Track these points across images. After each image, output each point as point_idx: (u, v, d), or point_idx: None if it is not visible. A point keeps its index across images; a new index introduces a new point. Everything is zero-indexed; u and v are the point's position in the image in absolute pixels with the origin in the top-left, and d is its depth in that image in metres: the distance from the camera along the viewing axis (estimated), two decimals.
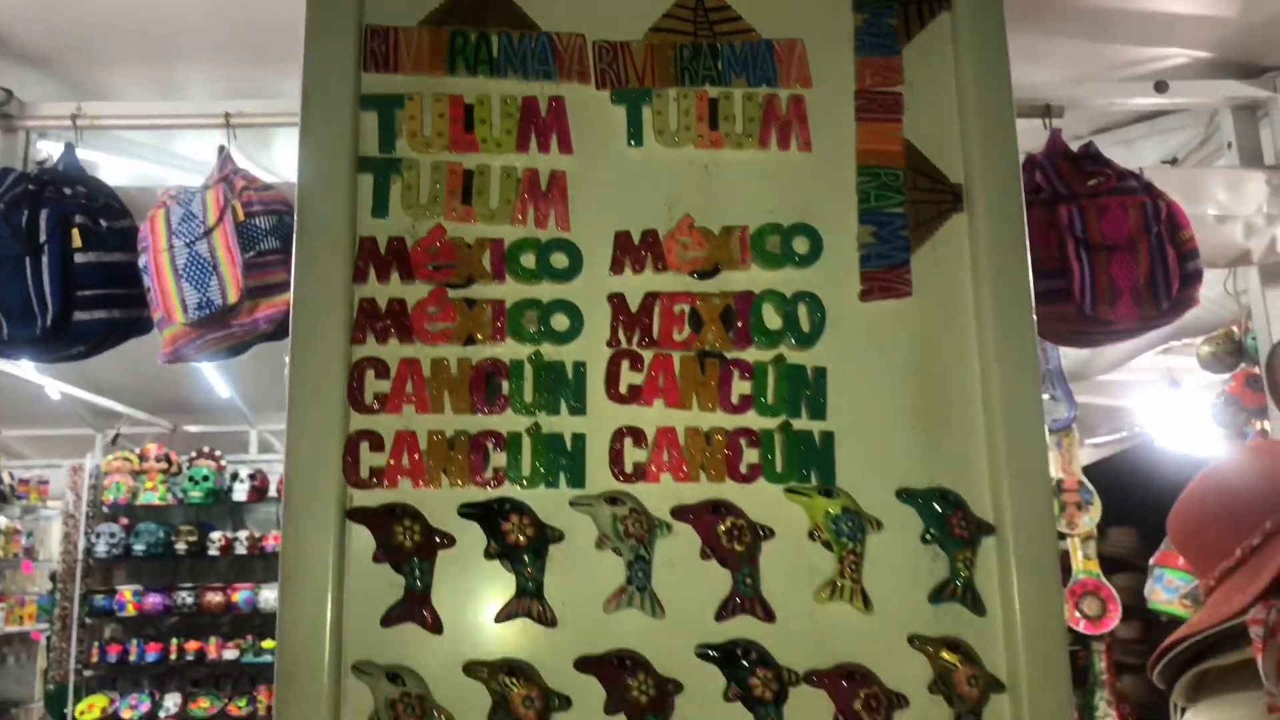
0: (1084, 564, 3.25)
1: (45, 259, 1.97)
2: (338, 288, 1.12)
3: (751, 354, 1.18)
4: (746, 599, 1.12)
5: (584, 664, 1.09)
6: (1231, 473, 1.26)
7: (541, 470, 1.12)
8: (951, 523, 1.15)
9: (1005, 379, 1.19)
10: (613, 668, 1.09)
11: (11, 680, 5.01)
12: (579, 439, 1.13)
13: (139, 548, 5.21)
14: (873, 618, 1.14)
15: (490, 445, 1.12)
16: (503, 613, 1.10)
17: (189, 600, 5.22)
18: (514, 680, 1.08)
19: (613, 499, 1.12)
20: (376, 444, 1.10)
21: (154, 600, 5.21)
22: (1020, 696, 1.13)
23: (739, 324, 1.18)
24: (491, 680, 1.07)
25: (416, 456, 1.10)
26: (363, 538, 1.09)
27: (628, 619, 1.11)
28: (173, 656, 5.20)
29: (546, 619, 1.10)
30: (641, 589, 1.11)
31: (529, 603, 1.10)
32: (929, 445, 1.18)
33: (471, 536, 1.11)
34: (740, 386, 1.17)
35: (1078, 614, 3.17)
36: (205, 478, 5.25)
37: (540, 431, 1.13)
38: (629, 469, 1.13)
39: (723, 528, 1.13)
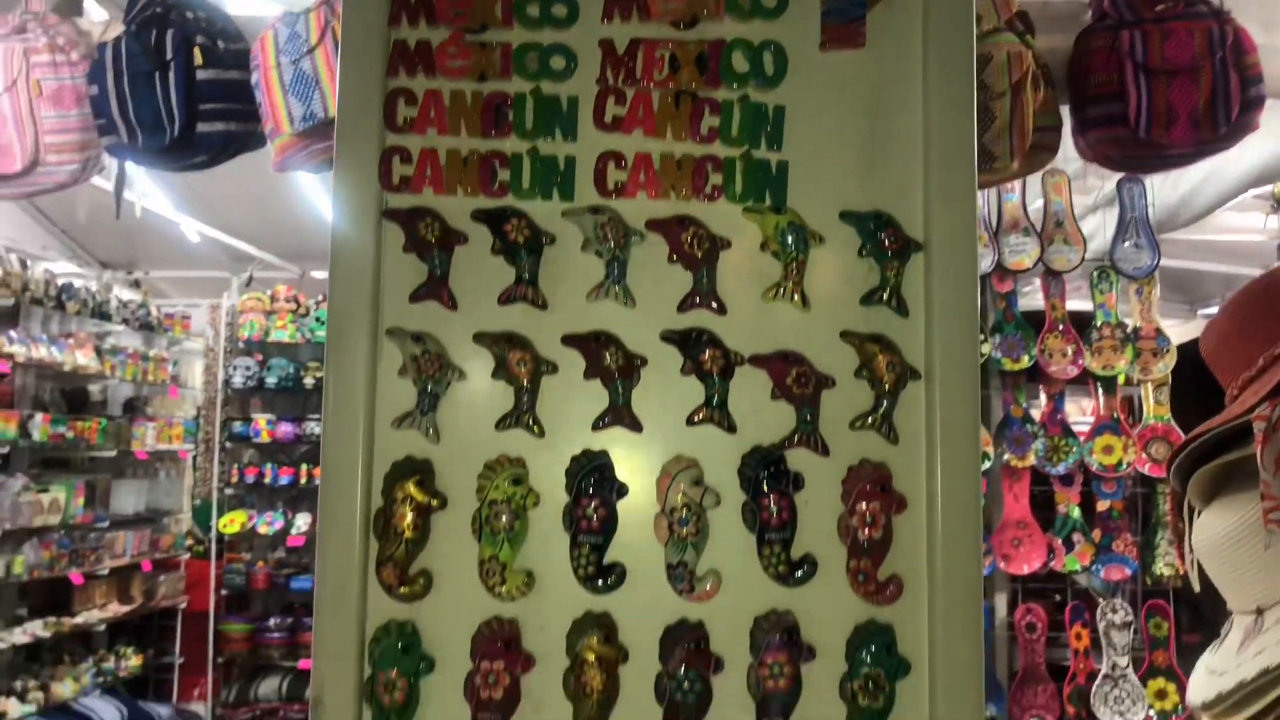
0: (1155, 409, 3.35)
1: (171, 75, 2.26)
2: (377, 30, 1.38)
3: (720, 93, 1.38)
4: (704, 295, 1.36)
5: (568, 339, 1.36)
6: (1262, 286, 1.31)
7: (538, 185, 1.37)
8: (884, 239, 1.36)
9: (944, 120, 1.36)
10: (591, 343, 1.36)
11: (163, 492, 5.70)
12: (570, 160, 1.37)
13: (271, 381, 5.77)
14: (810, 315, 1.36)
15: (496, 163, 1.37)
16: (504, 296, 1.37)
17: (316, 430, 5.79)
18: (513, 346, 1.35)
19: (596, 209, 1.36)
20: (405, 158, 1.37)
21: (285, 429, 5.80)
22: (934, 384, 1.34)
23: (711, 67, 1.38)
24: (494, 345, 1.35)
25: (437, 169, 1.37)
26: (395, 232, 1.37)
27: (605, 308, 1.37)
28: (303, 481, 5.80)
29: (540, 304, 1.37)
30: (617, 283, 1.36)
31: (526, 289, 1.36)
32: (871, 176, 1.38)
33: (480, 237, 1.37)
34: (709, 120, 1.38)
35: (1145, 456, 3.29)
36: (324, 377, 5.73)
37: (538, 153, 1.38)
38: (611, 186, 1.37)
39: (687, 237, 1.36)
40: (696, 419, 1.34)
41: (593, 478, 1.33)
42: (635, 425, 1.34)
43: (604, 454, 1.34)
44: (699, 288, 1.36)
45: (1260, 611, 1.52)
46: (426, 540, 1.33)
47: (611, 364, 1.34)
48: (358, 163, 1.35)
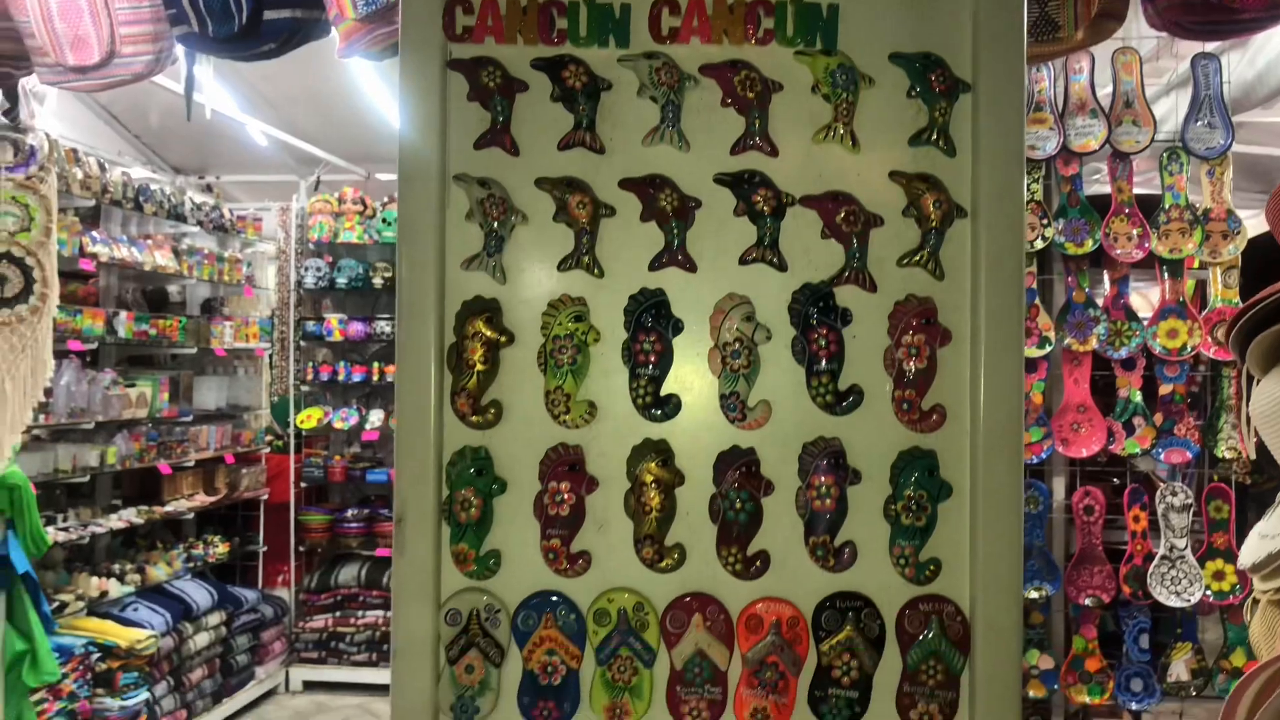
0: (1223, 293, 3.31)
1: None
2: None
3: None
4: (756, 137, 1.41)
5: (625, 183, 1.42)
6: None
7: (595, 32, 1.42)
8: (932, 80, 1.38)
9: None
10: (647, 186, 1.42)
11: (242, 389, 5.94)
12: (625, 7, 1.42)
13: (341, 281, 5.94)
14: (860, 156, 1.40)
15: (554, 11, 1.42)
16: (563, 142, 1.43)
17: (386, 329, 5.97)
18: (572, 190, 1.42)
19: (651, 55, 1.41)
20: (468, 8, 1.42)
21: (356, 328, 5.98)
22: (980, 222, 1.38)
23: None
24: (554, 189, 1.42)
25: (498, 19, 1.42)
26: (459, 82, 1.43)
27: (660, 152, 1.42)
28: (375, 378, 6.00)
29: (598, 148, 1.43)
30: (672, 127, 1.42)
31: (584, 135, 1.43)
32: (920, 18, 1.40)
33: (540, 84, 1.43)
34: None
35: (1210, 340, 3.26)
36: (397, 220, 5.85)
37: (594, 1, 1.42)
38: (665, 32, 1.41)
39: (739, 80, 1.40)
40: (749, 258, 1.40)
41: (650, 315, 1.40)
42: (690, 265, 1.41)
43: (660, 292, 1.41)
44: (751, 130, 1.41)
45: None
46: (496, 373, 1.42)
47: (667, 206, 1.40)
48: (423, 14, 1.41)
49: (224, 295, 5.90)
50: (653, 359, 1.40)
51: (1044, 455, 3.32)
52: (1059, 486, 3.42)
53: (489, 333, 1.41)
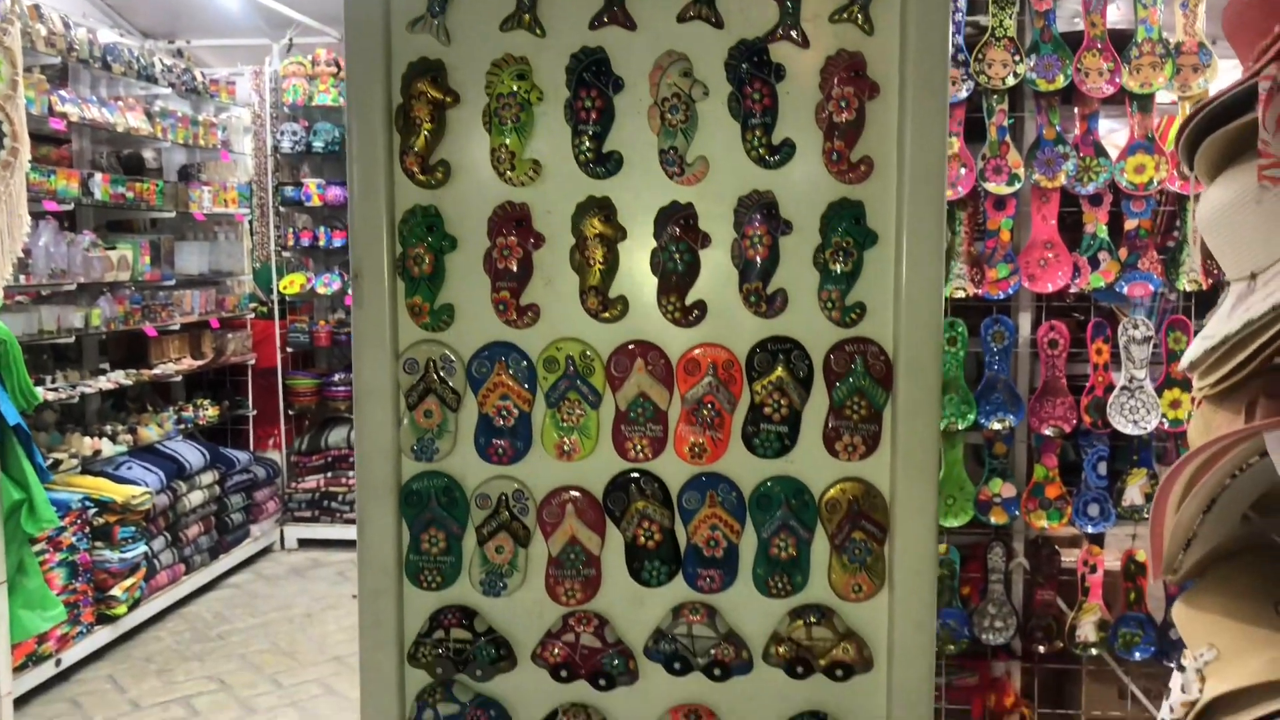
0: None
1: None
2: None
3: None
4: None
5: None
6: None
7: None
8: None
9: None
10: None
11: (224, 254, 5.98)
12: None
13: (318, 145, 5.92)
14: None
15: None
16: None
17: None
18: None
19: None
20: None
21: (335, 193, 5.99)
22: None
23: None
24: None
25: None
26: None
27: None
28: None
29: None
30: None
31: None
32: None
33: None
34: None
35: (1177, 174, 3.30)
36: None
37: None
38: None
39: None
40: (686, 15, 1.44)
41: (590, 73, 1.45)
42: (629, 23, 1.45)
43: (600, 50, 1.46)
44: None
45: (1254, 276, 1.62)
46: (443, 133, 1.48)
47: None
48: None
49: (201, 160, 5.88)
50: (594, 116, 1.45)
51: (1011, 291, 3.39)
52: (1025, 322, 3.50)
53: (434, 93, 1.46)
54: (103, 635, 4.64)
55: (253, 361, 6.14)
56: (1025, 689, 3.47)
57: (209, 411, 5.80)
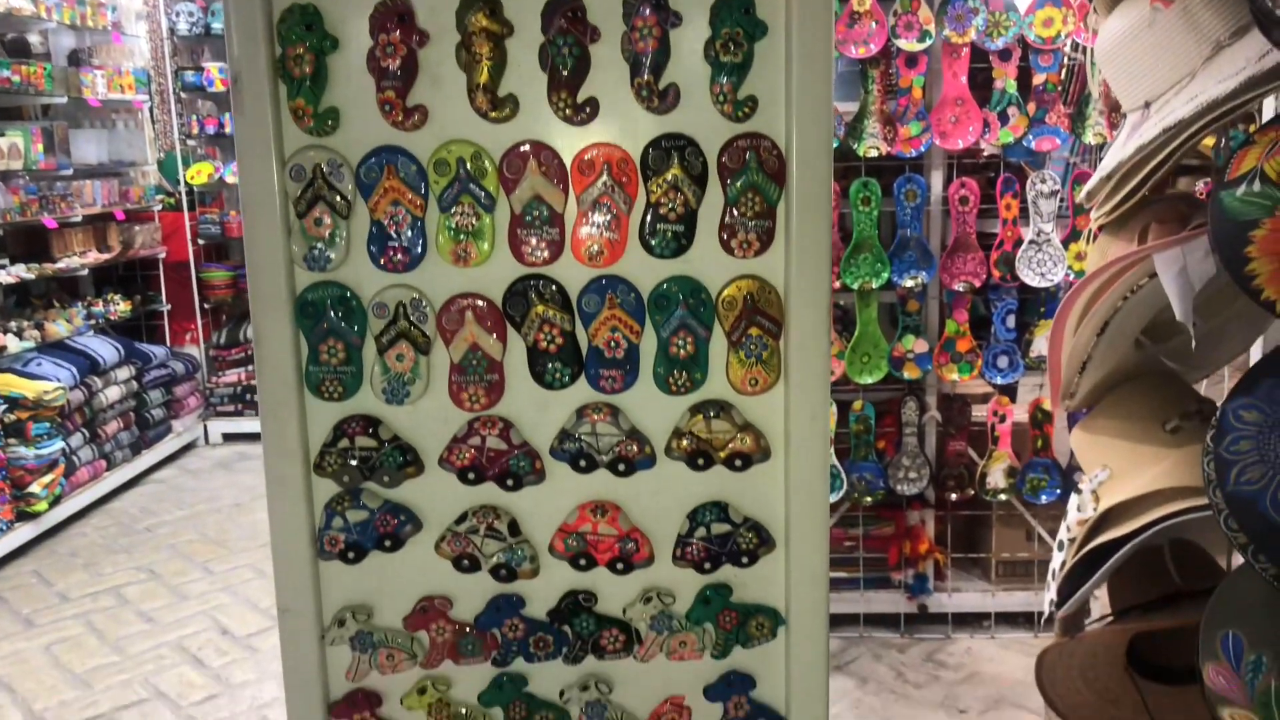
0: None
1: None
2: None
3: None
4: None
5: None
6: None
7: None
8: None
9: None
10: None
11: (123, 143, 5.74)
12: None
13: (217, 26, 5.65)
14: None
15: None
16: None
17: None
18: None
19: None
20: None
21: None
22: None
23: None
24: None
25: None
26: None
27: None
28: None
29: None
30: None
31: None
32: None
33: None
34: None
35: (1084, 26, 3.32)
36: None
37: None
38: None
39: None
40: None
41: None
42: None
43: None
44: None
45: (1148, 105, 1.65)
46: None
47: None
48: None
49: (91, 44, 5.60)
50: None
51: (923, 149, 3.42)
52: (937, 180, 3.55)
53: None
54: (24, 532, 4.58)
55: (163, 255, 5.96)
56: (939, 536, 3.62)
57: (120, 306, 5.64)
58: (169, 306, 6.00)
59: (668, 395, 1.52)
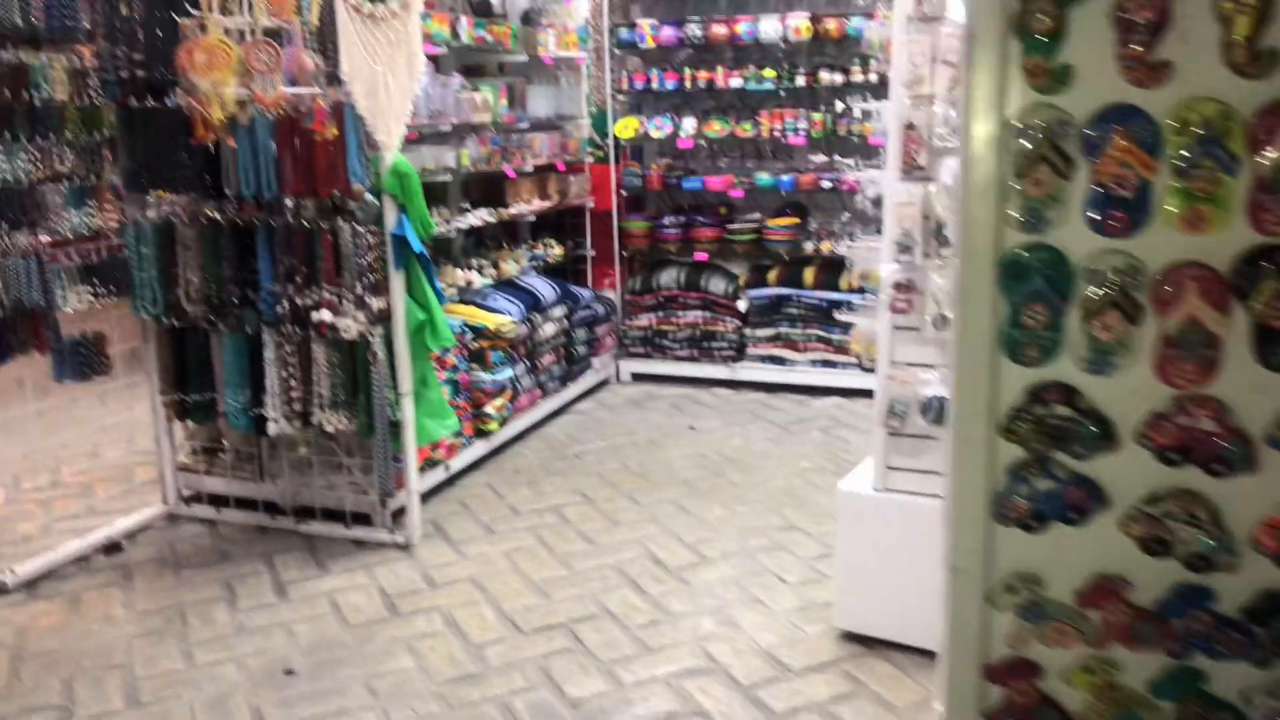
0: None
1: None
2: None
3: None
4: None
5: None
6: None
7: None
8: None
9: None
10: None
11: (566, 99, 6.14)
12: None
13: None
14: None
15: None
16: None
17: (697, 33, 5.92)
18: None
19: None
20: None
21: (668, 33, 5.98)
22: None
23: None
24: None
25: None
26: None
27: None
28: (688, 85, 6.04)
29: None
30: None
31: None
32: None
33: None
34: None
35: None
36: None
37: None
38: None
39: None
40: None
41: None
42: None
43: None
44: None
45: None
46: None
47: None
48: None
49: (542, 4, 6.01)
50: None
51: None
52: None
53: None
54: (479, 448, 5.10)
55: (591, 205, 6.35)
56: None
57: (555, 250, 6.10)
58: (593, 253, 6.41)
59: None
